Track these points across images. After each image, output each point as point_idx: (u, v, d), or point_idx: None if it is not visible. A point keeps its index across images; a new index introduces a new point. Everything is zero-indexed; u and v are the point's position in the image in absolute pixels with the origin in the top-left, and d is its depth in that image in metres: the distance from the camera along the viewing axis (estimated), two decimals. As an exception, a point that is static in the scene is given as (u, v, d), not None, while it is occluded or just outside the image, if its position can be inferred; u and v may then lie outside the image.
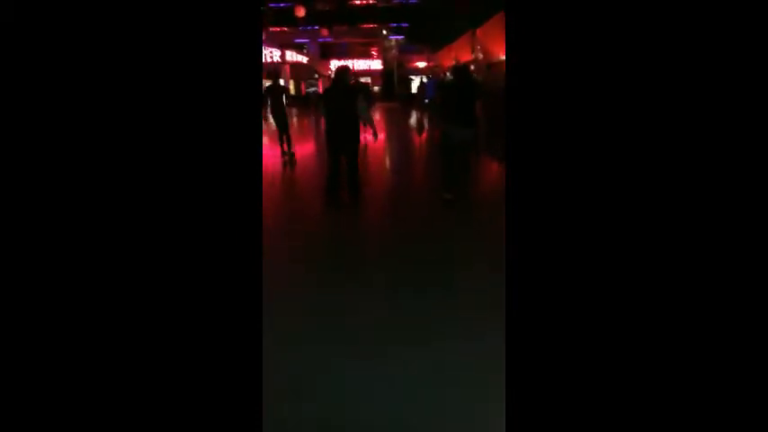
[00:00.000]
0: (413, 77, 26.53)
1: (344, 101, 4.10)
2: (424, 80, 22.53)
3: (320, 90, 26.82)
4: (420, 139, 9.58)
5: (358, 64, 27.14)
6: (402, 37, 26.88)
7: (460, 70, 4.50)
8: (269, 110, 7.04)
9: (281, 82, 8.81)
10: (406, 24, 24.81)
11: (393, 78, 27.50)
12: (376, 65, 27.93)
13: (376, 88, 28.58)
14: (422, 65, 26.86)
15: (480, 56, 12.51)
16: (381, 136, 7.24)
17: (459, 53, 18.30)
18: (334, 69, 4.79)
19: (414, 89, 24.67)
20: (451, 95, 4.29)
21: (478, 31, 12.15)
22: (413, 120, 15.65)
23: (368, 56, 27.89)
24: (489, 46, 11.14)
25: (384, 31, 26.77)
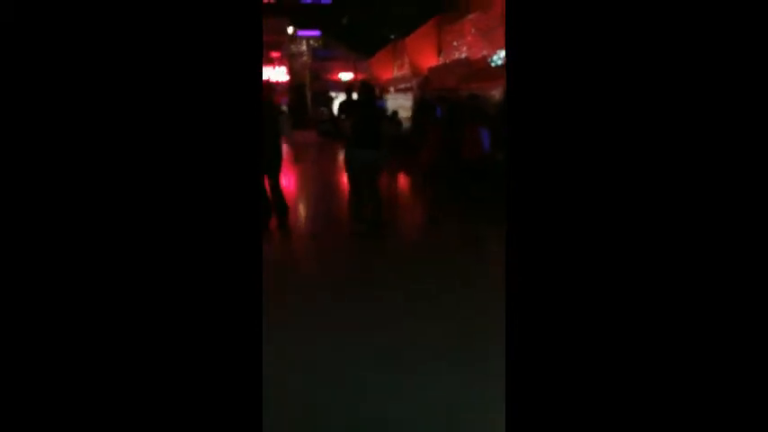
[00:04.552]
0: (334, 94, 18.43)
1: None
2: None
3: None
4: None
5: (254, 73, 18.78)
6: (318, 33, 18.80)
7: (368, 87, 4.41)
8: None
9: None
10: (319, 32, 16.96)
11: (305, 95, 19.28)
12: (280, 75, 19.56)
13: (284, 108, 20.24)
14: (346, 76, 18.84)
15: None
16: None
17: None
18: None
19: (336, 111, 16.64)
20: (357, 115, 4.22)
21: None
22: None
23: (268, 62, 19.49)
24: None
25: (291, 28, 18.62)
